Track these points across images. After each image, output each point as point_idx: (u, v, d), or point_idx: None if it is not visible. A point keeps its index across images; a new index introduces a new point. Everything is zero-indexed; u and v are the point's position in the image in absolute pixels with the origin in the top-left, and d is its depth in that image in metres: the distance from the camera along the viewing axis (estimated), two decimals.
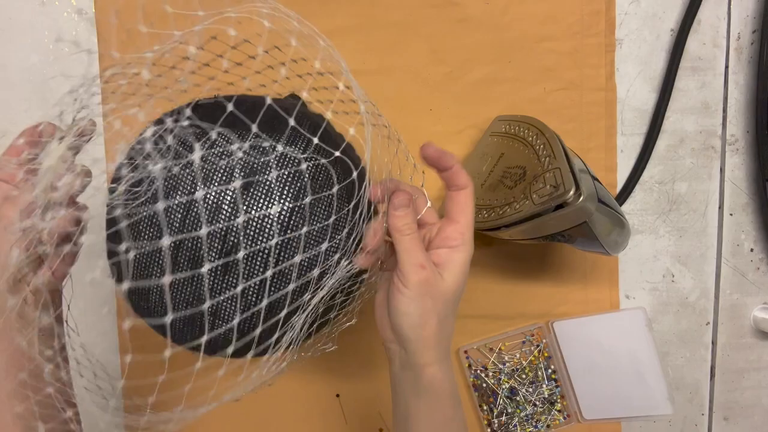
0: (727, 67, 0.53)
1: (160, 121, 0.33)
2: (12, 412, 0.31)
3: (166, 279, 0.28)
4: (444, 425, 0.34)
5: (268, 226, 0.32)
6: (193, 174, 0.32)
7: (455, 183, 0.35)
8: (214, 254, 0.32)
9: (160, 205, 0.31)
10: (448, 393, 0.34)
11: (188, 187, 0.33)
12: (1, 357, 0.31)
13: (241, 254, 0.32)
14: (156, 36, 0.34)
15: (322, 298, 0.34)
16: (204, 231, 0.32)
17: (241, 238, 0.32)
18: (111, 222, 0.33)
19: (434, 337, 0.33)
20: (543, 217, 0.40)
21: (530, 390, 0.55)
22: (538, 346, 0.55)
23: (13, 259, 0.30)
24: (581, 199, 0.37)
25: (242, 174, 0.32)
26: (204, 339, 0.29)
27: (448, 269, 0.33)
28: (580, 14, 0.52)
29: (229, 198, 0.32)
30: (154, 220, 0.33)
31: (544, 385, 0.55)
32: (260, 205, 0.32)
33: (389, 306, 0.34)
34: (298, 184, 0.34)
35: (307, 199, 0.33)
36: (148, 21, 0.31)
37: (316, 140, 0.33)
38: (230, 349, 0.30)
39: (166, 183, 0.32)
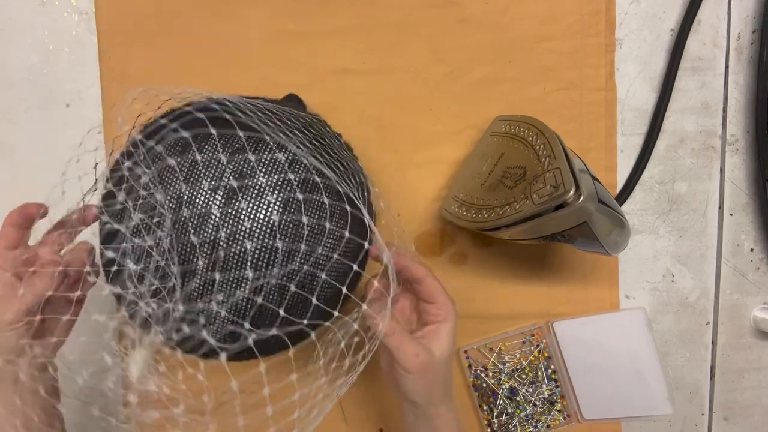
0: (727, 67, 0.53)
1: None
2: None
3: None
4: None
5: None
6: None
7: (414, 277, 0.40)
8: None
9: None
10: (456, 428, 0.41)
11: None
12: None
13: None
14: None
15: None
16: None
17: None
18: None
19: (441, 394, 0.39)
20: (543, 217, 0.40)
21: (530, 390, 0.55)
22: (538, 346, 0.55)
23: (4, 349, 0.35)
24: (581, 199, 0.37)
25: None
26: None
27: (439, 341, 0.39)
28: (580, 14, 0.52)
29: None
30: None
31: (544, 385, 0.55)
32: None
33: (396, 383, 0.39)
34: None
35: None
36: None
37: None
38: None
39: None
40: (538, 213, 0.40)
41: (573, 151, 0.42)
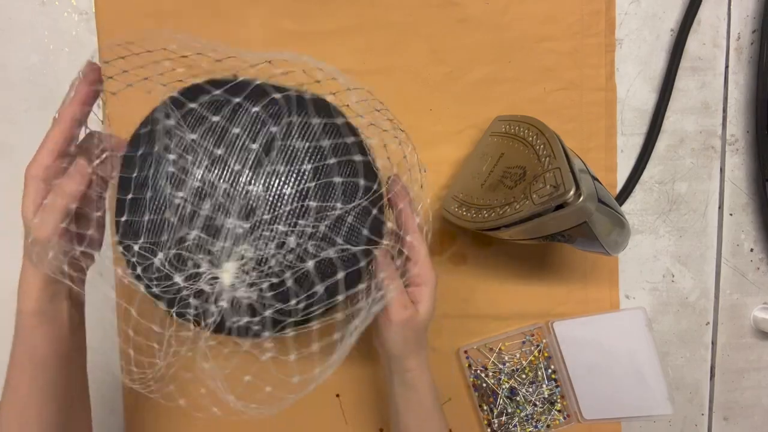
0: (727, 67, 0.53)
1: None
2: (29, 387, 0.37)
3: None
4: (425, 411, 0.44)
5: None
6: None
7: (404, 226, 0.41)
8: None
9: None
10: (428, 387, 0.44)
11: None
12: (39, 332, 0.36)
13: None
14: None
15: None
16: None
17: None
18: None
19: (414, 351, 0.43)
20: (543, 217, 0.40)
21: (530, 390, 0.55)
22: (538, 346, 0.55)
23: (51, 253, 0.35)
24: (581, 199, 0.37)
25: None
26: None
27: (422, 303, 0.42)
28: (580, 14, 0.52)
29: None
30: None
31: (544, 385, 0.55)
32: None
33: (379, 332, 0.42)
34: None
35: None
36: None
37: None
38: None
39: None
40: (538, 213, 0.40)
41: (573, 151, 0.42)
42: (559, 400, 0.55)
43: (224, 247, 0.33)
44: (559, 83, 0.52)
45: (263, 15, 0.51)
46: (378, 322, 0.42)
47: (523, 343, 0.55)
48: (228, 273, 0.33)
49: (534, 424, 0.55)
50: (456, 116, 0.53)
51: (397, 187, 0.40)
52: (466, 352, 0.55)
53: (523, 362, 0.55)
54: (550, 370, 0.55)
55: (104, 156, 0.36)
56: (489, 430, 0.55)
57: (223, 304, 0.34)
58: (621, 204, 0.54)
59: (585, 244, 0.43)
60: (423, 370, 0.43)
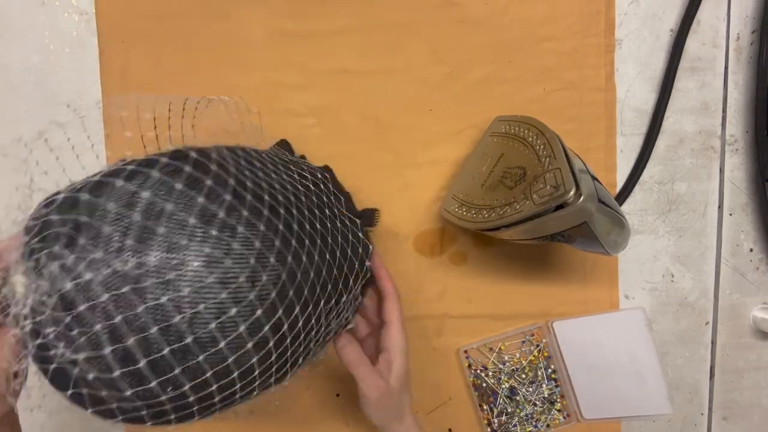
0: (726, 67, 0.53)
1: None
2: None
3: None
4: None
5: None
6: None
7: (383, 289, 0.44)
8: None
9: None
10: None
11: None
12: None
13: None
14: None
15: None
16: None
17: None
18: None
19: (396, 418, 0.44)
20: (543, 218, 0.40)
21: (530, 390, 0.55)
22: (537, 345, 0.55)
23: None
24: (581, 199, 0.37)
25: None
26: None
27: (392, 373, 0.43)
28: (580, 14, 0.52)
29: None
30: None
31: (544, 385, 0.55)
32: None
33: (361, 407, 0.43)
34: None
35: None
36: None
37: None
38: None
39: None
40: (538, 213, 0.40)
41: (573, 151, 0.42)
42: (558, 400, 0.55)
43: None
44: (559, 83, 0.52)
45: (263, 15, 0.51)
46: (359, 398, 0.44)
47: (523, 342, 0.55)
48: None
49: (534, 423, 0.55)
50: (456, 116, 0.53)
51: (376, 260, 0.44)
52: (466, 352, 0.55)
53: (523, 362, 0.55)
54: (549, 370, 0.55)
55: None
56: (489, 429, 0.55)
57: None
58: (621, 204, 0.54)
59: (585, 244, 0.43)
60: (408, 428, 0.45)
